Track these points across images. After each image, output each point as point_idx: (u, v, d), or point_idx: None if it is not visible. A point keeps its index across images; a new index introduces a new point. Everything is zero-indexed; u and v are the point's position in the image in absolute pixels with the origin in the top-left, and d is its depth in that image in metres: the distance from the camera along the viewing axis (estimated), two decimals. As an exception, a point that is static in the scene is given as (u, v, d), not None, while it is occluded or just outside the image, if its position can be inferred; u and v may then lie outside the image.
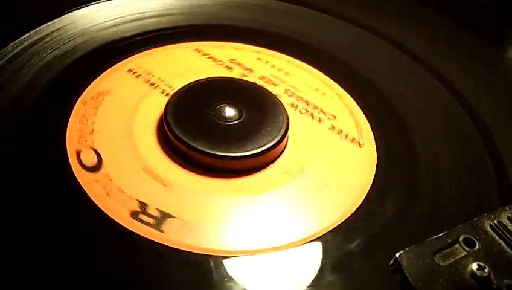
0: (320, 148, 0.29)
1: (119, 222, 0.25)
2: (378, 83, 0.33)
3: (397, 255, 0.21)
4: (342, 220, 0.26)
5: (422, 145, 0.29)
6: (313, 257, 0.25)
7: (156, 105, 0.30)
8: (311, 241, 0.25)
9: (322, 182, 0.28)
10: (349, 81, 0.33)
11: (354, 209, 0.27)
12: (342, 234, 0.25)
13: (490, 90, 0.33)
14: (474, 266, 0.21)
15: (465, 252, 0.22)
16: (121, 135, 0.29)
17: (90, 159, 0.27)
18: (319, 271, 0.24)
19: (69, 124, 0.29)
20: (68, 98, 0.30)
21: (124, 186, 0.26)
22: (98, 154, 0.28)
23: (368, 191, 0.27)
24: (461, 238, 0.22)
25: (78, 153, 0.28)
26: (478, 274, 0.21)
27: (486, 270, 0.21)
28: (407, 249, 0.21)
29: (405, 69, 0.35)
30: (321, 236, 0.25)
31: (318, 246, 0.25)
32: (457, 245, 0.22)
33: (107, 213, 0.25)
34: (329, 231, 0.25)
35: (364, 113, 0.31)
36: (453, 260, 0.21)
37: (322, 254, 0.25)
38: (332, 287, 0.24)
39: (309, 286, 0.24)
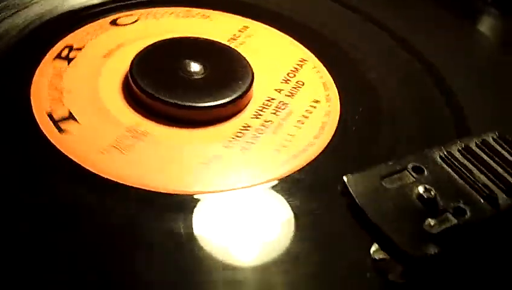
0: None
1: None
2: (344, 47, 0.34)
3: (345, 178, 0.21)
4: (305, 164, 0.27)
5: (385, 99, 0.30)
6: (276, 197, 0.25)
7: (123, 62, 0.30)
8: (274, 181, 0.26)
9: (283, 133, 0.28)
10: (314, 44, 0.34)
11: (319, 152, 0.27)
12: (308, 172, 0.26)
13: (448, 48, 0.34)
14: (421, 188, 0.21)
15: (413, 178, 0.22)
16: (87, 90, 0.29)
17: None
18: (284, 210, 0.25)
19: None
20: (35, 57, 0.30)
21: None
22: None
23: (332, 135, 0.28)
24: (410, 165, 0.22)
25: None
26: (425, 196, 0.21)
27: (432, 193, 0.21)
28: (355, 173, 0.21)
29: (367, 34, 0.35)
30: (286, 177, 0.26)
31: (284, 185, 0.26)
32: (405, 172, 0.22)
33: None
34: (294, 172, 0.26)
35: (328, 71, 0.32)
36: (400, 184, 0.21)
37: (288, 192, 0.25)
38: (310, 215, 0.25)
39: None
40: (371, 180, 0.21)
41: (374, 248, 0.23)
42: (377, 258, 0.23)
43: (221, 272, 0.23)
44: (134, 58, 0.29)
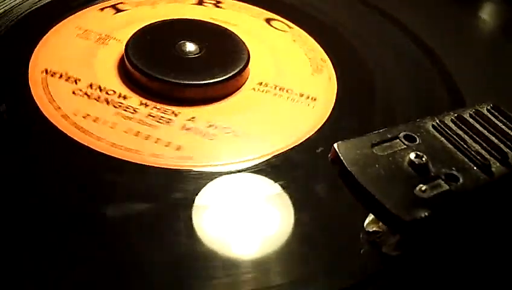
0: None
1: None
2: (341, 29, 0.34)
3: (335, 145, 0.21)
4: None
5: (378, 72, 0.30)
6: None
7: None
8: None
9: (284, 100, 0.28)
10: (311, 25, 0.34)
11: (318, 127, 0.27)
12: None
13: (447, 33, 0.33)
14: (412, 155, 0.21)
15: (405, 146, 0.21)
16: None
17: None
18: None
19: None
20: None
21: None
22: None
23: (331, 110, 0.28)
24: (402, 134, 0.22)
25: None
26: (416, 162, 0.20)
27: (423, 159, 0.21)
28: (345, 140, 0.21)
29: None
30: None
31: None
32: (397, 140, 0.22)
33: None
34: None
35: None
36: (391, 151, 0.21)
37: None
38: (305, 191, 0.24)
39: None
40: (361, 148, 0.21)
41: (367, 220, 0.23)
42: (370, 230, 0.23)
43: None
44: (129, 39, 0.29)
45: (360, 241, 0.23)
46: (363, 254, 0.23)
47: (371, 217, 0.23)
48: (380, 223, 0.22)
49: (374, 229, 0.22)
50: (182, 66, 0.28)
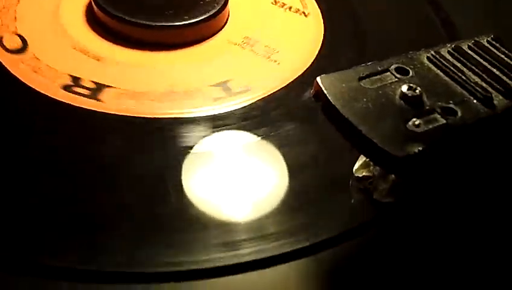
0: (264, 19, 0.28)
1: (51, 96, 0.23)
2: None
3: (318, 78, 0.19)
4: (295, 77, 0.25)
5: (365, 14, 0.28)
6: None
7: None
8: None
9: (268, 49, 0.26)
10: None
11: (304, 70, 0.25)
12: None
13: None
14: (405, 87, 0.18)
15: (396, 79, 0.19)
16: (47, 19, 0.27)
17: (13, 43, 0.26)
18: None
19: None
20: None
21: (53, 64, 0.25)
22: (23, 38, 0.26)
23: (316, 55, 0.26)
24: (393, 66, 0.19)
25: (0, 39, 0.26)
26: (409, 94, 0.18)
27: (417, 91, 0.18)
28: (329, 73, 0.19)
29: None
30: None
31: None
32: (387, 73, 0.19)
33: (37, 89, 0.24)
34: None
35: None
36: (381, 84, 0.19)
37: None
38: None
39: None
40: (347, 81, 0.19)
41: (356, 165, 0.21)
42: (360, 176, 0.21)
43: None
44: None
45: (350, 188, 0.21)
46: (353, 202, 0.21)
47: (360, 161, 0.21)
48: (371, 168, 0.20)
49: (364, 174, 0.20)
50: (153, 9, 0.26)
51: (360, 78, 0.19)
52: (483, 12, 0.29)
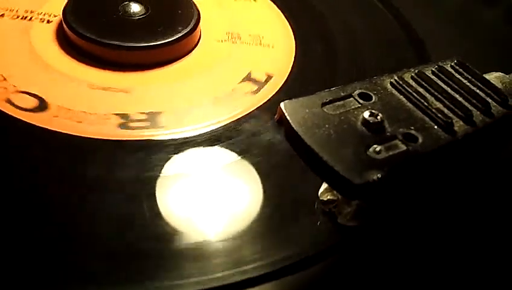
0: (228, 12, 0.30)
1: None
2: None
3: (282, 104, 0.19)
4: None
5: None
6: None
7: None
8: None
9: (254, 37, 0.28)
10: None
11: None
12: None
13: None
14: (366, 113, 0.19)
15: (359, 105, 0.19)
16: (17, 42, 0.27)
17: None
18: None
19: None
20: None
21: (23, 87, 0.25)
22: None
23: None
24: (356, 92, 0.20)
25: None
26: (370, 121, 0.18)
27: (378, 117, 0.19)
28: (293, 99, 0.19)
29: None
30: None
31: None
32: (351, 98, 0.20)
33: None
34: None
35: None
36: (344, 110, 0.19)
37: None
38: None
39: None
40: (311, 107, 0.19)
41: (321, 188, 0.21)
42: (325, 199, 0.21)
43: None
44: (66, 4, 0.27)
45: (315, 212, 0.21)
46: (319, 225, 0.21)
47: (325, 185, 0.21)
48: (334, 191, 0.20)
49: (329, 197, 0.21)
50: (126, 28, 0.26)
51: (324, 104, 0.19)
52: (454, 33, 0.30)
